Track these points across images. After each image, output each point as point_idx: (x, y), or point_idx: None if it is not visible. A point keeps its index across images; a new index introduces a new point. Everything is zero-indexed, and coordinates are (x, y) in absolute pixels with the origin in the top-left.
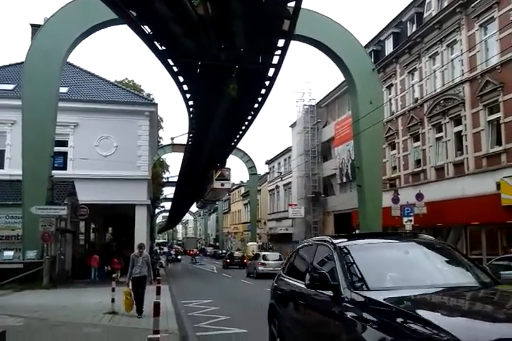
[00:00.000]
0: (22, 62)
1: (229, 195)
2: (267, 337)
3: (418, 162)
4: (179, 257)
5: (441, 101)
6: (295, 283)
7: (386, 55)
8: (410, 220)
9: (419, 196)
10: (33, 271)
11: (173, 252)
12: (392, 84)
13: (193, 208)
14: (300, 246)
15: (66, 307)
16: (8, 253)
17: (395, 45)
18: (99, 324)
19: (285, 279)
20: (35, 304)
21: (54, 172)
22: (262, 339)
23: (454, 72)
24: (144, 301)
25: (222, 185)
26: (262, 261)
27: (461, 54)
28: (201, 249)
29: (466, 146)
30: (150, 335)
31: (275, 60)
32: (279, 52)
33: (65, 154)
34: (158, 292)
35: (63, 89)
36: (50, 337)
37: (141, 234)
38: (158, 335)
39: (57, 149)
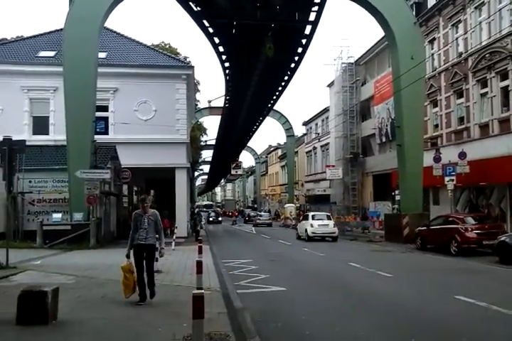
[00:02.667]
0: (62, 29)
1: (266, 157)
2: (304, 294)
3: (461, 119)
4: (220, 219)
5: (487, 55)
6: None
7: (428, 7)
8: (452, 180)
9: (462, 155)
10: (81, 232)
11: (213, 214)
12: (434, 38)
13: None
14: None
15: (113, 265)
16: (57, 216)
17: None
18: None
19: None
20: (83, 263)
21: (96, 136)
22: (299, 297)
23: (502, 23)
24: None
25: (236, 172)
26: (259, 218)
27: (510, 2)
28: (239, 211)
29: None
30: (194, 291)
31: (312, 16)
32: (315, 8)
33: (106, 119)
34: (200, 251)
35: (102, 55)
36: (99, 293)
37: (181, 196)
38: (202, 291)
39: (98, 114)
